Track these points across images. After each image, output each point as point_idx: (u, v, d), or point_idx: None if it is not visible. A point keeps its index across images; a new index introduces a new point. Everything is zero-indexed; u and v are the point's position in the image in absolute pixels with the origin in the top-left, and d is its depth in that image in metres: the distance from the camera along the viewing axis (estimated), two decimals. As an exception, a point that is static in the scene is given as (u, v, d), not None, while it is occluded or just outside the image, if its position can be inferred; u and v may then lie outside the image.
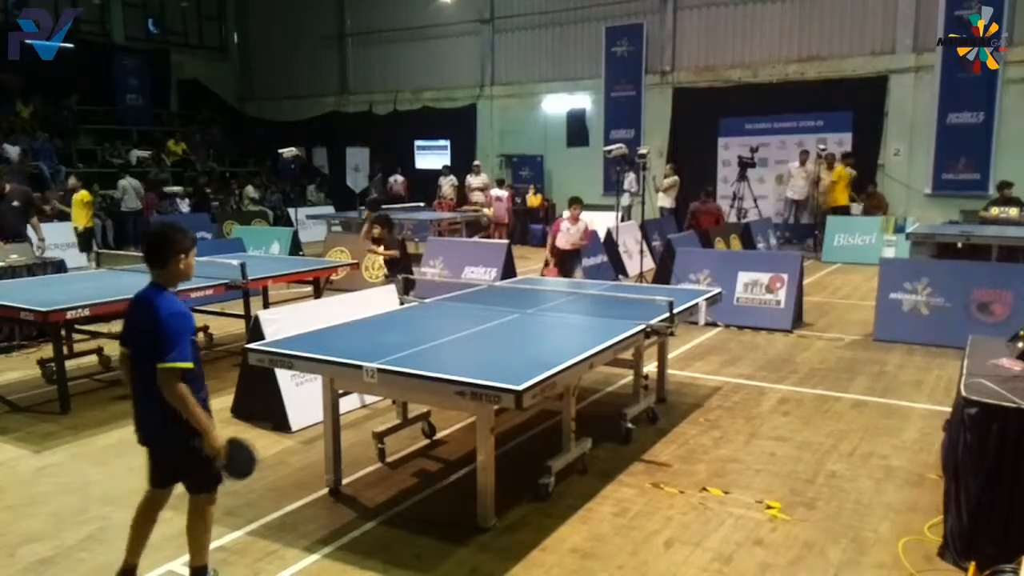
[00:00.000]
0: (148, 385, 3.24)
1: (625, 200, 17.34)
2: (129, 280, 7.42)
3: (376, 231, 8.63)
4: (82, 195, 13.59)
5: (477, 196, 18.48)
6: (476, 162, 19.63)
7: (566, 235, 9.68)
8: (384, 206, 15.64)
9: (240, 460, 3.35)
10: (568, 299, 6.26)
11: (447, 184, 19.62)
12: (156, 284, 3.34)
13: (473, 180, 18.92)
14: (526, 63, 20.32)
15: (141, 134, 21.54)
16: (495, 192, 17.47)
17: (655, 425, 5.74)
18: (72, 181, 14.25)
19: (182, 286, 6.91)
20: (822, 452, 5.21)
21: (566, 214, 9.80)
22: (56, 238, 14.11)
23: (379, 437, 5.09)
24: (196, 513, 3.46)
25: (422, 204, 19.03)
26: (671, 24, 18.13)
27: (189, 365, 3.18)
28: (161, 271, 3.33)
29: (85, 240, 13.72)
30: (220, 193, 19.90)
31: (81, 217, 13.56)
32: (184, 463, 3.39)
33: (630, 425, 5.42)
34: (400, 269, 8.48)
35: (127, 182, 16.54)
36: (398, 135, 22.23)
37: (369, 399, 6.11)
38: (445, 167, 20.21)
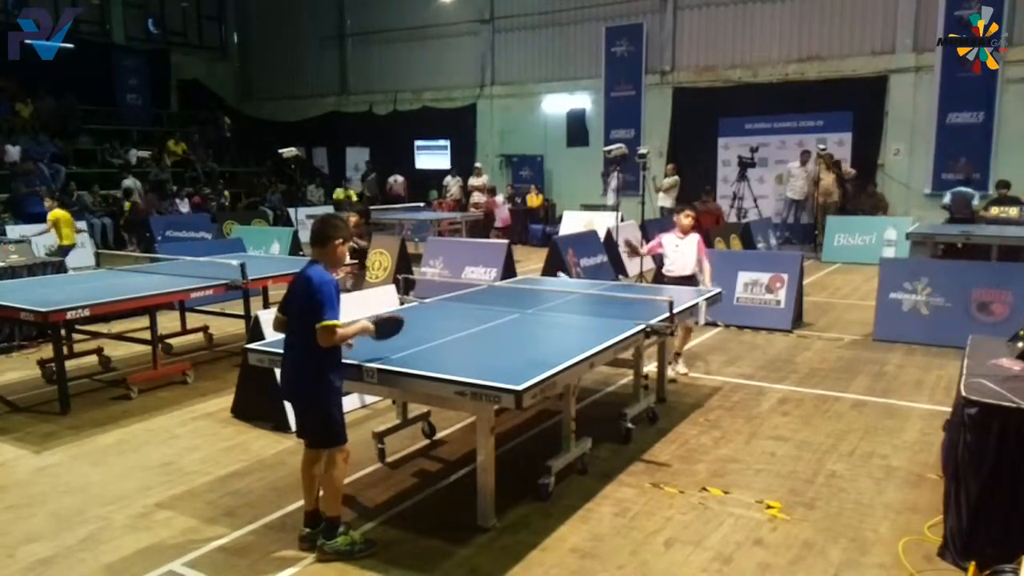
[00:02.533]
0: (297, 344, 3.80)
1: (611, 199, 17.45)
2: (129, 280, 7.43)
3: (354, 218, 8.81)
4: (61, 214, 12.05)
5: (477, 197, 18.51)
6: (477, 164, 19.65)
7: (675, 254, 7.03)
8: (383, 206, 15.70)
9: (388, 328, 4.10)
10: (568, 299, 6.25)
11: (455, 184, 19.62)
12: (314, 261, 3.86)
13: (475, 181, 18.97)
14: (526, 63, 20.33)
15: (141, 134, 21.55)
16: (499, 198, 17.49)
17: (655, 425, 5.74)
18: (48, 203, 12.50)
19: (184, 285, 6.96)
20: (822, 452, 5.21)
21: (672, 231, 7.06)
22: (56, 238, 14.10)
23: (379, 437, 5.09)
24: (328, 464, 3.84)
25: (422, 204, 19.04)
26: (671, 24, 18.14)
27: (337, 323, 3.69)
28: (320, 251, 3.86)
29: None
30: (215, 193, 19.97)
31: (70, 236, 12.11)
32: (311, 418, 3.87)
33: (630, 425, 5.42)
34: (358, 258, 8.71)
35: (131, 182, 16.58)
36: (398, 135, 22.24)
37: (369, 399, 6.11)
38: (453, 168, 20.30)
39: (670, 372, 6.72)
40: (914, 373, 7.10)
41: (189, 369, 7.01)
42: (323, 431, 3.85)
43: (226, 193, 20.31)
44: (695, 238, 7.02)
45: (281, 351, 4.38)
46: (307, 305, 3.68)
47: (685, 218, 7.00)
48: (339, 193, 20.23)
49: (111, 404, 6.38)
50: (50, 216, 12.19)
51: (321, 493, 3.92)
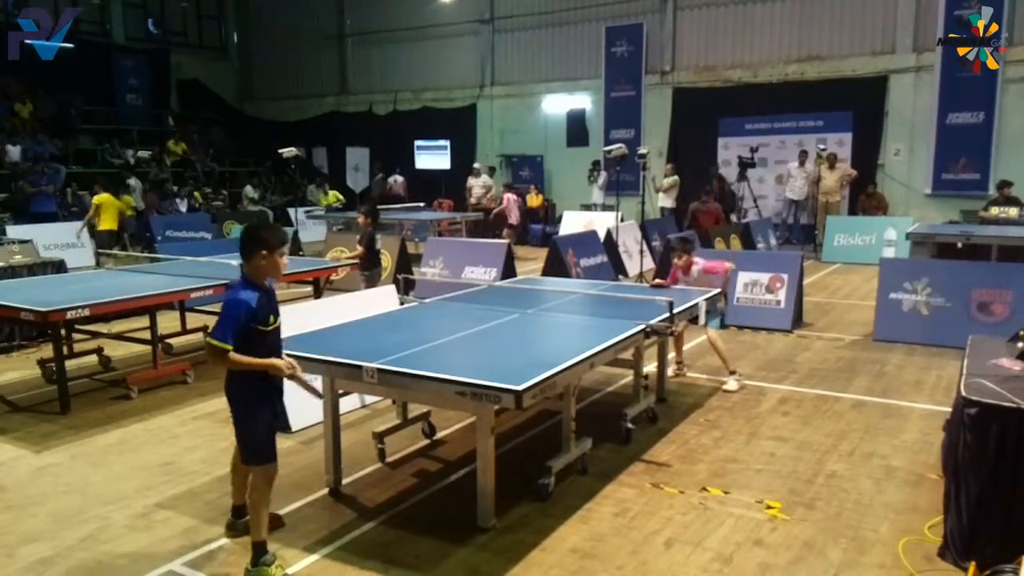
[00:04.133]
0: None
1: (599, 197, 17.47)
2: (129, 280, 7.43)
3: (361, 219, 8.72)
4: (105, 198, 12.87)
5: (477, 196, 18.49)
6: (476, 164, 19.62)
7: (690, 284, 6.98)
8: (383, 207, 15.65)
9: (305, 387, 3.93)
10: (568, 299, 6.25)
11: (478, 185, 18.37)
12: (242, 275, 3.73)
13: (474, 181, 18.92)
14: (526, 63, 20.32)
15: (141, 134, 21.54)
16: (510, 195, 17.20)
17: (655, 425, 5.74)
18: (96, 188, 13.43)
19: (184, 285, 6.96)
20: (822, 452, 5.21)
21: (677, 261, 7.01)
22: (56, 238, 14.14)
23: (379, 437, 5.09)
24: (250, 483, 3.73)
25: (422, 204, 19.02)
26: (671, 24, 18.14)
27: (226, 346, 3.49)
28: (245, 264, 3.68)
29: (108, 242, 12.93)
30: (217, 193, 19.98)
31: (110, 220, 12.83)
32: (237, 430, 3.74)
33: (630, 425, 5.42)
34: (371, 266, 8.51)
35: (134, 182, 16.61)
36: (398, 135, 22.24)
37: (369, 399, 6.11)
38: (476, 168, 18.88)
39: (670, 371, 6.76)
40: (914, 373, 7.10)
41: (189, 369, 7.01)
42: (240, 443, 3.73)
43: (224, 192, 20.32)
44: (698, 269, 6.84)
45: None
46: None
47: (678, 259, 6.89)
48: (331, 197, 20.00)
49: (111, 404, 6.38)
50: (95, 200, 12.79)
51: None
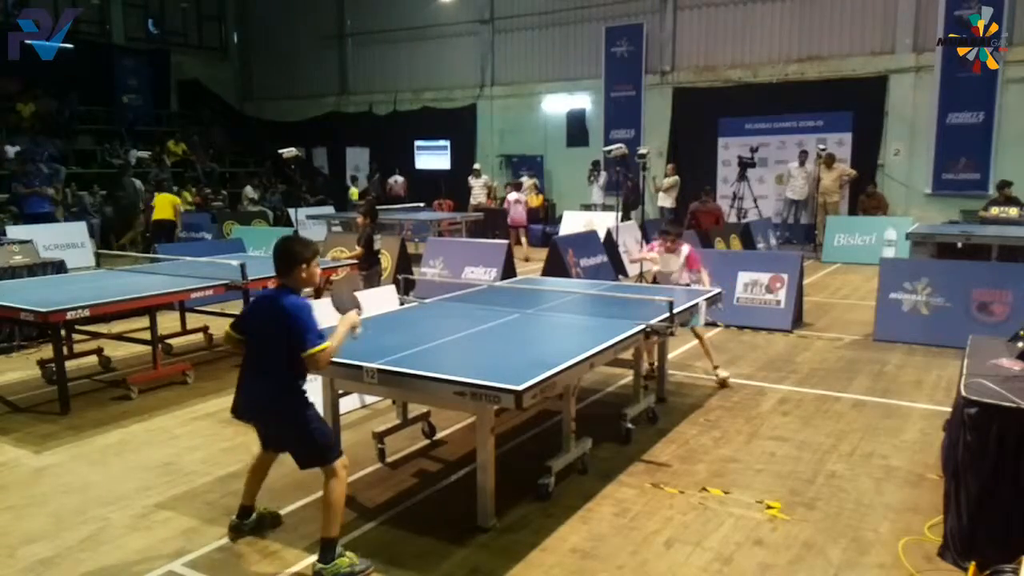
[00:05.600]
0: (265, 367, 3.71)
1: (598, 198, 17.50)
2: (129, 280, 7.43)
3: (360, 219, 8.70)
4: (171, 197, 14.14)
5: (477, 197, 18.52)
6: (476, 165, 19.64)
7: (662, 260, 7.19)
8: (382, 207, 15.65)
9: (352, 301, 3.96)
10: (568, 299, 6.25)
11: (479, 185, 18.61)
12: (281, 287, 3.77)
13: (473, 181, 18.94)
14: (526, 63, 20.33)
15: (141, 134, 21.54)
16: (513, 196, 17.21)
17: (655, 425, 5.74)
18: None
19: (184, 285, 6.96)
20: (822, 452, 5.21)
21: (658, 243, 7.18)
22: (56, 238, 14.14)
23: (379, 437, 5.09)
24: (327, 480, 3.67)
25: (422, 204, 19.03)
26: (671, 24, 18.15)
27: (328, 345, 3.61)
28: (287, 278, 3.74)
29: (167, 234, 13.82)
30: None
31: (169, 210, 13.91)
32: (294, 439, 3.75)
33: (630, 425, 5.42)
34: (369, 266, 8.50)
35: (137, 183, 16.64)
36: (398, 135, 22.25)
37: (369, 399, 6.11)
38: (476, 168, 19.15)
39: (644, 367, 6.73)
40: (914, 373, 7.10)
41: (189, 369, 7.02)
42: (311, 447, 3.71)
43: (224, 192, 20.32)
44: (684, 252, 7.01)
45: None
46: (282, 333, 3.59)
47: (668, 242, 7.05)
48: (353, 193, 20.17)
49: (111, 404, 6.38)
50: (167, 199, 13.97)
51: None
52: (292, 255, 3.72)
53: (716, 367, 6.85)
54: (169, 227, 13.91)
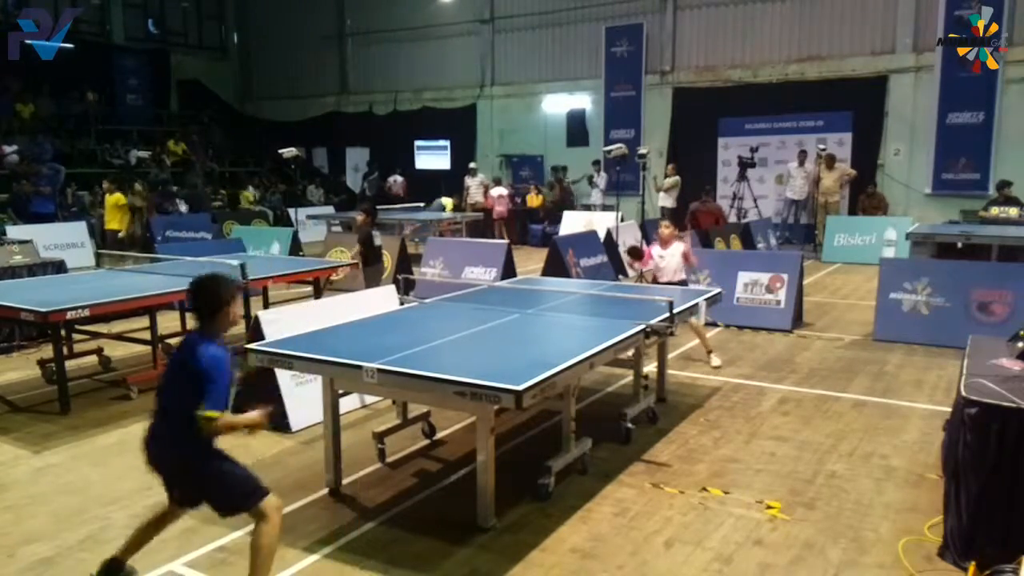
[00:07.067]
0: (171, 414, 3.32)
1: (597, 199, 17.52)
2: (129, 280, 7.43)
3: (360, 217, 8.70)
4: (116, 198, 13.45)
5: (474, 197, 18.54)
6: (472, 164, 19.62)
7: (660, 263, 7.42)
8: (382, 207, 15.67)
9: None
10: (568, 299, 6.25)
11: (475, 184, 18.53)
12: (199, 333, 3.40)
13: (471, 181, 18.95)
14: (526, 63, 20.32)
15: (141, 134, 21.54)
16: (495, 191, 17.46)
17: (655, 425, 5.74)
18: (106, 184, 14.12)
19: (180, 286, 6.95)
20: (822, 452, 5.21)
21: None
22: (56, 238, 14.14)
23: (379, 437, 5.09)
24: (256, 525, 3.37)
25: (421, 204, 19.02)
26: (671, 24, 18.14)
27: (223, 416, 3.21)
28: (209, 322, 3.40)
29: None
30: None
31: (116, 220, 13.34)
32: (203, 489, 3.39)
33: (630, 425, 5.42)
34: (370, 264, 8.51)
35: (139, 183, 16.63)
36: (398, 135, 22.24)
37: (369, 399, 6.11)
38: (471, 167, 19.10)
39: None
40: (914, 373, 7.10)
41: (189, 369, 7.00)
42: (225, 496, 3.34)
43: (224, 192, 20.32)
44: (679, 247, 7.35)
45: (281, 351, 4.40)
46: (188, 385, 3.20)
47: (664, 229, 7.45)
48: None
49: (111, 404, 6.38)
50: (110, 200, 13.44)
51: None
52: (216, 298, 3.39)
53: (710, 351, 6.97)
54: (125, 238, 13.14)
